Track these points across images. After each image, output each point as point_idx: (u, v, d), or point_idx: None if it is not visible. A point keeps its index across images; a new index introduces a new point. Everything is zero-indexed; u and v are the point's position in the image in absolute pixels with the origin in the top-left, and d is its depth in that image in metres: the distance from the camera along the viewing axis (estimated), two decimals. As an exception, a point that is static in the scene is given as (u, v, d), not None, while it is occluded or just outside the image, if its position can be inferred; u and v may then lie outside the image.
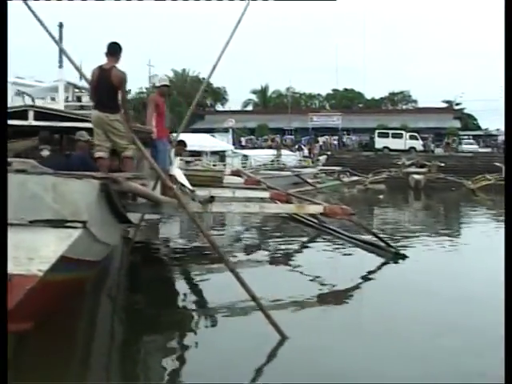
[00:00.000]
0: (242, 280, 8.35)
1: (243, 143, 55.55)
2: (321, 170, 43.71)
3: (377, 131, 57.57)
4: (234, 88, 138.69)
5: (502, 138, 64.93)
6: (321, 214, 14.63)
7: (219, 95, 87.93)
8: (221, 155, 37.73)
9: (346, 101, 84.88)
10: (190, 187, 13.88)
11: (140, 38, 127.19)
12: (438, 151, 57.91)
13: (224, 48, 12.09)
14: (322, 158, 49.49)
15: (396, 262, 13.79)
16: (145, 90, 78.60)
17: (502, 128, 71.84)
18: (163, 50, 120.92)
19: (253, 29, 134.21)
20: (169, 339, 8.38)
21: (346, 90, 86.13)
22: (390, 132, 56.88)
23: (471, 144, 63.61)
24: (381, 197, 33.89)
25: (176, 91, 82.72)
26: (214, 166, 35.81)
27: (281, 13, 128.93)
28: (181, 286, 11.98)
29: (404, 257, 14.13)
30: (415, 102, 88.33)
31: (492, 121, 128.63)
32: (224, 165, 36.89)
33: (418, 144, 55.74)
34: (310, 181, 39.33)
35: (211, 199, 13.47)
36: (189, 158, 31.75)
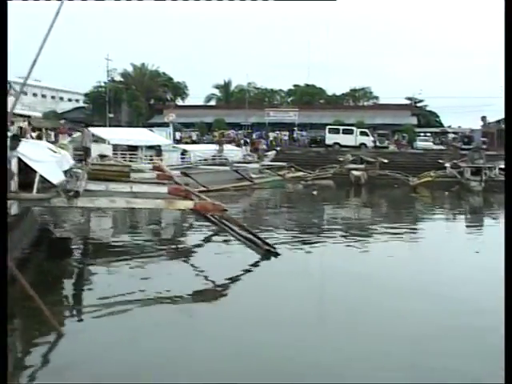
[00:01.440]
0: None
1: (177, 137, 54.49)
2: (262, 165, 43.28)
3: (327, 127, 57.03)
4: (198, 82, 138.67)
5: (451, 135, 65.12)
6: (191, 209, 14.50)
7: (179, 90, 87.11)
8: (157, 150, 37.08)
9: (308, 96, 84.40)
10: (55, 181, 13.42)
11: (99, 33, 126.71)
12: (393, 148, 57.77)
13: (42, 44, 11.27)
14: (271, 154, 49.01)
15: (268, 259, 13.75)
16: (103, 84, 77.84)
17: (464, 125, 72.31)
18: (123, 45, 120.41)
19: (226, 26, 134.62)
20: None
21: (307, 85, 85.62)
22: (341, 128, 56.41)
23: (426, 141, 63.48)
24: (314, 193, 33.50)
25: (135, 85, 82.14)
26: (150, 160, 35.31)
27: (252, 11, 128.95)
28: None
29: (276, 254, 14.02)
30: (376, 98, 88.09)
31: (455, 118, 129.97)
32: (161, 159, 36.35)
33: (369, 140, 55.38)
34: (253, 176, 39.16)
35: (76, 194, 13.12)
36: (104, 153, 31.18)
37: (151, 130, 41.92)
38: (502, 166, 41.03)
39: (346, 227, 21.41)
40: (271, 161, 46.71)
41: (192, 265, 14.06)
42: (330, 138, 55.48)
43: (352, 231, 20.12)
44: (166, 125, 45.69)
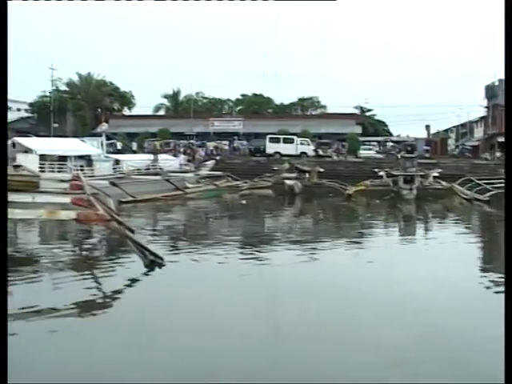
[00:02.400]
0: None
1: (118, 147, 54.17)
2: (197, 174, 42.98)
3: (268, 137, 57.18)
4: (148, 92, 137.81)
5: (390, 143, 65.70)
6: (75, 219, 14.22)
7: (126, 99, 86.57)
8: (87, 160, 36.59)
9: (255, 106, 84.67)
10: None
11: (43, 42, 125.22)
12: (336, 157, 57.94)
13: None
14: (210, 163, 48.76)
15: (152, 270, 13.55)
16: (48, 94, 77.02)
17: (412, 134, 72.98)
18: (68, 54, 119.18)
19: (178, 34, 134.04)
20: None
21: (254, 95, 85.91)
22: (282, 137, 56.59)
23: (369, 150, 63.95)
24: (243, 202, 33.36)
25: (80, 95, 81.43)
26: (81, 170, 34.78)
27: (204, 19, 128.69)
28: None
29: (160, 265, 13.75)
30: (324, 107, 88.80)
31: (404, 127, 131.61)
32: (91, 170, 35.90)
33: (310, 149, 55.56)
34: (189, 185, 38.87)
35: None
36: (17, 163, 30.52)
37: (82, 140, 41.33)
38: (436, 174, 41.42)
39: (251, 237, 21.28)
40: (210, 170, 46.45)
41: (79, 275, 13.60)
42: (271, 148, 55.53)
43: (253, 241, 19.96)
44: (99, 134, 45.24)
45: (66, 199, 16.51)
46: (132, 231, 17.47)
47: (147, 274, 13.41)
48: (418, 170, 40.47)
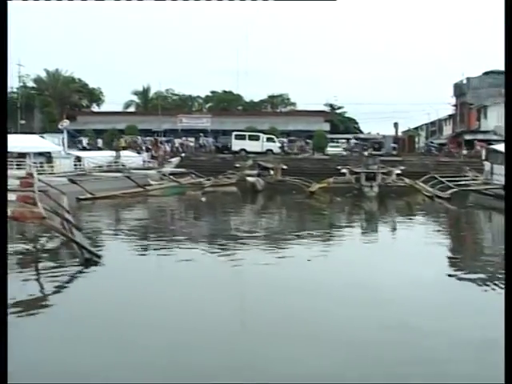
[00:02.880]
0: None
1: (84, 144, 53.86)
2: (159, 171, 42.70)
3: (233, 134, 57.09)
4: (118, 89, 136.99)
5: (353, 141, 65.70)
6: (10, 217, 13.98)
7: (95, 96, 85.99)
8: (47, 157, 36.20)
9: (224, 103, 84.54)
10: None
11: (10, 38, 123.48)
12: (303, 154, 57.93)
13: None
14: (175, 160, 48.52)
15: (87, 267, 13.46)
16: (15, 90, 76.14)
17: (383, 132, 72.98)
18: (36, 50, 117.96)
19: (150, 30, 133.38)
20: None
21: (224, 92, 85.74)
22: (247, 134, 56.53)
23: (337, 147, 64.06)
24: (203, 199, 33.25)
25: (48, 91, 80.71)
26: (40, 167, 34.49)
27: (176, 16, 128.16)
28: None
29: (96, 263, 13.61)
30: (294, 104, 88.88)
31: (374, 124, 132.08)
32: (51, 166, 35.60)
33: (275, 146, 55.55)
34: (153, 183, 38.61)
35: None
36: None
37: (42, 137, 40.90)
38: (399, 172, 41.48)
39: (201, 234, 21.25)
40: (175, 167, 46.20)
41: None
42: (237, 145, 55.46)
43: (202, 237, 19.90)
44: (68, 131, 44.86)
45: (13, 196, 16.29)
46: (79, 229, 17.37)
47: (82, 272, 13.25)
48: (381, 168, 40.52)
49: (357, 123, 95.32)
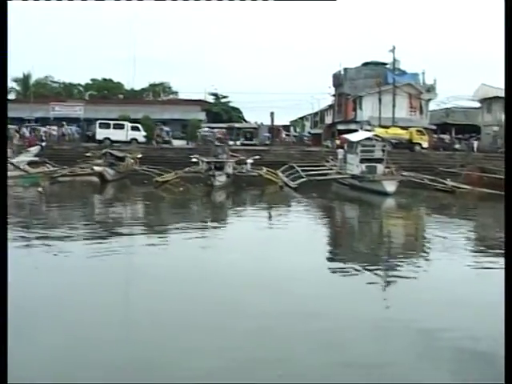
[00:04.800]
0: None
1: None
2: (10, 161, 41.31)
3: (98, 122, 56.13)
4: None
5: (206, 129, 64.81)
6: None
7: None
8: None
9: (105, 91, 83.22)
10: None
11: None
12: (178, 143, 57.44)
13: None
14: (34, 149, 47.08)
15: None
16: None
17: (266, 121, 73.32)
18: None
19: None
20: None
21: (104, 80, 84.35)
22: (112, 123, 55.66)
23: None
24: (40, 190, 32.56)
25: None
26: None
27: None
28: None
29: None
30: (175, 93, 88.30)
31: (259, 114, 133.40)
32: None
33: (140, 135, 54.96)
34: (9, 173, 37.23)
35: None
36: None
37: None
38: (251, 161, 41.77)
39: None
40: (34, 156, 44.83)
41: None
42: (101, 133, 54.55)
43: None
44: None
45: None
46: None
47: None
48: (233, 158, 40.84)
49: (241, 113, 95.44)
